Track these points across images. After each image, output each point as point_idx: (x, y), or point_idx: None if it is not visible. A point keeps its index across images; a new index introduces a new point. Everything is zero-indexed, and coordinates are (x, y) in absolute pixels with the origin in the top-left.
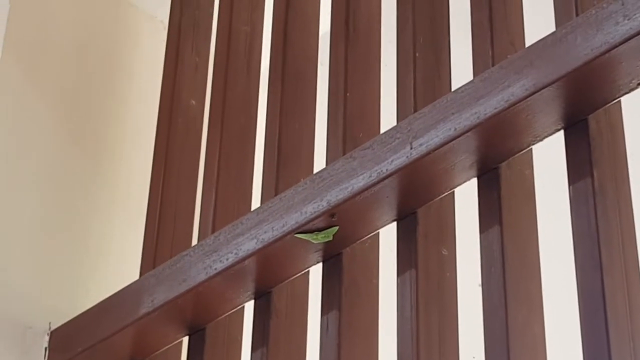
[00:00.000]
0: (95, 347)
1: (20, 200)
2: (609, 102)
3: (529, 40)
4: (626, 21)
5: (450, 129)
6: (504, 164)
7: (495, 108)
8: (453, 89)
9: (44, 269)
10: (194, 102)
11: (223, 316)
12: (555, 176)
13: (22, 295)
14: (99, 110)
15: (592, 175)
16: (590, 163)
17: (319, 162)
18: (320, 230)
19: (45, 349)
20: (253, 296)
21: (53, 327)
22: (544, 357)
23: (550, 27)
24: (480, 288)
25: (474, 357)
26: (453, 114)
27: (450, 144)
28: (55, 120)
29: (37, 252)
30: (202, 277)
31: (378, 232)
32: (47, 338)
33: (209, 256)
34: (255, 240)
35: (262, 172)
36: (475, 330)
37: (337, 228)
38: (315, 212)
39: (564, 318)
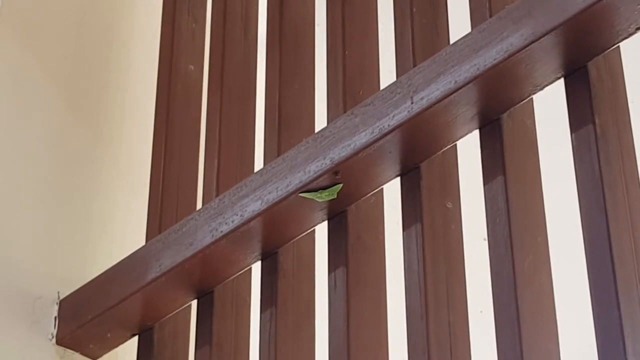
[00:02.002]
0: (105, 314)
1: (23, 172)
2: (608, 48)
3: None
4: None
5: (450, 81)
6: (505, 114)
7: (495, 59)
8: (451, 42)
9: (50, 239)
10: (192, 67)
11: (231, 278)
12: (557, 125)
13: (29, 266)
14: (98, 79)
15: (593, 122)
16: (591, 110)
17: (320, 122)
18: (324, 188)
19: (55, 318)
20: (260, 257)
21: (62, 297)
22: (551, 305)
23: None
24: (485, 242)
25: (481, 311)
26: (453, 66)
27: (451, 96)
28: (55, 90)
29: (43, 223)
30: (209, 240)
31: (382, 188)
32: (56, 307)
33: (215, 219)
34: (260, 201)
35: (264, 134)
36: (481, 284)
37: (341, 185)
38: (318, 170)
39: (571, 266)
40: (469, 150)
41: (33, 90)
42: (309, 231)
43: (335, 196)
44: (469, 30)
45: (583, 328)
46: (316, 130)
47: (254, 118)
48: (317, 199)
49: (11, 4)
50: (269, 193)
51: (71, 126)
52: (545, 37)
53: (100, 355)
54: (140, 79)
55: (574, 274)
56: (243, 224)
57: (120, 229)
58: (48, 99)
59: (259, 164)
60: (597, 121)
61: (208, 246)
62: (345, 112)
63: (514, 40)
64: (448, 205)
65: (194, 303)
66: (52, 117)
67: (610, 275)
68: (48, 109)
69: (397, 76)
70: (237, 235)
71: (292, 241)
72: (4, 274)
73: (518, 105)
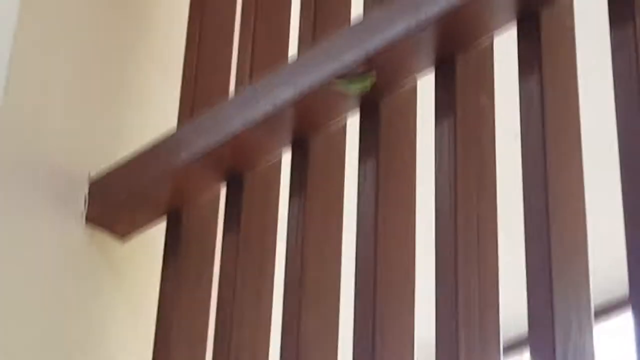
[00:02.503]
0: (135, 195)
1: (60, 49)
2: None
3: None
4: None
5: None
6: (544, 7)
7: None
8: None
9: (82, 118)
10: None
11: (261, 166)
12: (597, 21)
13: (61, 145)
14: None
15: (634, 20)
16: (632, 8)
17: (356, 12)
18: (358, 80)
19: (85, 197)
20: (291, 145)
21: (93, 175)
22: (581, 200)
23: None
24: (517, 140)
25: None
26: None
27: None
28: None
29: (75, 101)
30: (240, 126)
31: (416, 81)
32: (87, 186)
33: (247, 105)
34: (292, 89)
35: (299, 22)
36: (512, 179)
37: (374, 78)
38: (353, 60)
39: (603, 162)
40: (505, 44)
41: None
42: (340, 121)
43: (369, 89)
44: None
45: (613, 228)
46: (352, 18)
47: (290, 5)
48: (350, 92)
49: None
50: (302, 81)
51: (108, 7)
52: None
53: (129, 235)
54: None
55: (607, 169)
56: (275, 112)
57: (153, 110)
58: None
59: (293, 50)
60: (637, 20)
61: (240, 133)
62: (382, 2)
63: None
64: (482, 100)
65: (224, 189)
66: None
67: None
68: None
69: None
70: (268, 122)
71: (323, 130)
72: (36, 152)
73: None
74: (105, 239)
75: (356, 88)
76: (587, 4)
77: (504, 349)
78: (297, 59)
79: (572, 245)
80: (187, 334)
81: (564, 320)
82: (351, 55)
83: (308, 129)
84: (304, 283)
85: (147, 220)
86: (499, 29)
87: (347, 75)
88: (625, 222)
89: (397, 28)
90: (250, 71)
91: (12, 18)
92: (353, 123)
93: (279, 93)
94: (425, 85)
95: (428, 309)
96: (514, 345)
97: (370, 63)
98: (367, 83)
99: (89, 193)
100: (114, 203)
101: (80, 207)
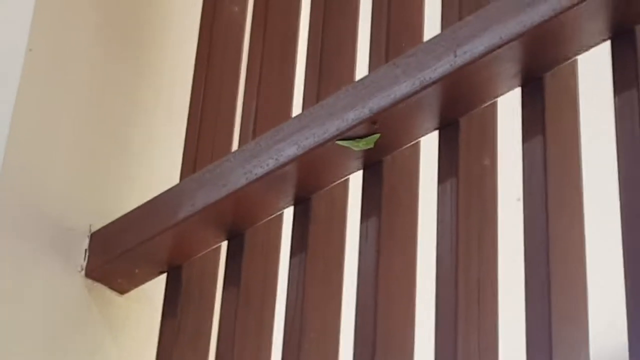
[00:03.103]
0: (135, 250)
1: (64, 102)
2: None
3: None
4: None
5: (495, 37)
6: (548, 73)
7: (542, 17)
8: None
9: (86, 171)
10: (236, 8)
11: (262, 222)
12: (600, 87)
13: (63, 197)
14: (142, 10)
15: (637, 86)
16: (636, 73)
17: (361, 71)
18: (361, 137)
19: (86, 250)
20: (292, 202)
21: (94, 229)
22: (583, 265)
23: None
24: (518, 202)
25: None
26: (499, 22)
27: (495, 52)
28: (98, 19)
29: (80, 154)
30: (243, 182)
31: (419, 141)
32: (87, 240)
33: (250, 161)
34: (296, 146)
35: (304, 79)
36: (511, 243)
37: (378, 135)
38: (357, 119)
39: (606, 228)
40: (509, 108)
41: (76, 18)
42: (343, 179)
43: (372, 146)
44: None
45: (613, 293)
46: (356, 78)
47: (295, 62)
48: (353, 148)
49: None
50: (306, 139)
51: (114, 60)
52: None
53: (128, 290)
54: (184, 14)
55: (608, 235)
56: (278, 168)
57: (156, 165)
58: (90, 28)
59: (297, 109)
60: None
61: (242, 188)
62: (387, 61)
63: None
64: (485, 162)
65: (224, 244)
66: (94, 47)
67: None
68: (90, 37)
69: (442, 29)
70: (271, 179)
71: (326, 188)
72: (38, 203)
73: (562, 65)
74: (104, 292)
75: (360, 145)
76: (591, 69)
77: None
78: (301, 116)
79: (573, 308)
80: None
81: None
82: (354, 113)
83: (310, 186)
84: (303, 342)
85: (147, 276)
86: (504, 93)
87: (350, 137)
88: (626, 287)
89: (401, 87)
90: (254, 127)
91: (16, 72)
92: (356, 181)
93: (282, 149)
94: (429, 145)
95: None
96: None
97: (374, 121)
98: (371, 140)
99: (90, 247)
100: (114, 257)
101: (81, 260)
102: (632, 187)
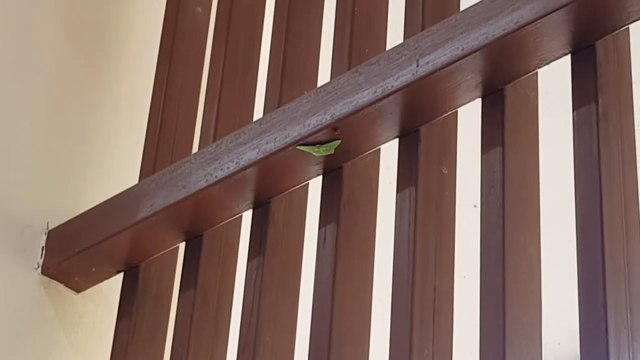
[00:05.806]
0: (92, 249)
1: (24, 102)
2: (618, 29)
3: None
4: None
5: (457, 48)
6: (509, 85)
7: (504, 29)
8: (461, 9)
9: (44, 169)
10: (199, 9)
11: (221, 224)
12: (560, 100)
13: (21, 195)
14: (102, 13)
15: (596, 101)
16: (595, 89)
17: (324, 77)
18: (322, 143)
19: (42, 248)
20: (252, 206)
21: (51, 227)
22: (538, 279)
23: None
24: (475, 209)
25: (464, 277)
26: (461, 33)
27: (457, 63)
28: (57, 23)
29: (39, 153)
30: (202, 184)
31: (379, 148)
32: (44, 237)
33: (210, 164)
34: (257, 150)
35: (266, 83)
36: (468, 250)
37: (339, 142)
38: (318, 125)
39: (561, 242)
40: (469, 118)
41: (35, 23)
42: (303, 184)
43: (333, 152)
44: None
45: (568, 303)
46: (318, 84)
47: (258, 65)
48: (314, 153)
49: None
50: (267, 143)
51: (74, 61)
52: (556, 12)
53: (84, 289)
54: (146, 16)
55: (564, 250)
56: (238, 172)
57: (115, 165)
58: (50, 32)
59: (258, 112)
60: (600, 101)
61: (201, 190)
62: (349, 68)
63: (525, 13)
64: (444, 171)
65: (182, 245)
66: (55, 47)
67: (599, 254)
68: (49, 41)
69: (405, 38)
70: (231, 182)
71: (285, 193)
72: None
73: (523, 77)
74: (60, 290)
75: (321, 151)
76: (552, 82)
77: None
78: (262, 120)
79: (527, 317)
80: None
81: None
82: (316, 119)
83: (270, 190)
84: (258, 345)
85: (104, 275)
86: (465, 103)
87: (311, 143)
88: (579, 297)
89: (363, 95)
90: (215, 130)
91: None
92: (316, 186)
93: (243, 153)
94: (389, 151)
95: None
96: None
97: (335, 128)
98: (331, 146)
99: (46, 244)
100: (71, 255)
101: (37, 257)
102: (586, 202)
